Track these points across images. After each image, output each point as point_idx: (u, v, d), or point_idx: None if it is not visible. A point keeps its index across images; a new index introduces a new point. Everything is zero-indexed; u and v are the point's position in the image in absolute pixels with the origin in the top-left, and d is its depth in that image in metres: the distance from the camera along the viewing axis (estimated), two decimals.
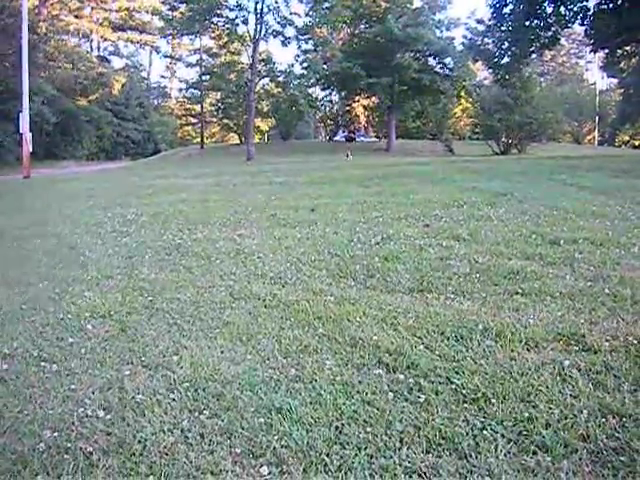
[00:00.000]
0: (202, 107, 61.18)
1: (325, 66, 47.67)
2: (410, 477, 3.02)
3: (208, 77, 53.40)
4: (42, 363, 4.76)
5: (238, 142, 60.53)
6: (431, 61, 46.53)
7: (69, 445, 3.48)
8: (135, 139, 69.45)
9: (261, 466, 3.16)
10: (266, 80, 47.52)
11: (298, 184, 18.03)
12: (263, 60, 44.71)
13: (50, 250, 9.42)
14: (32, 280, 7.42)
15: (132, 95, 69.86)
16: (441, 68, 46.16)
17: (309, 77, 45.71)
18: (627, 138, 63.23)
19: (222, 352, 4.78)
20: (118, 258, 8.58)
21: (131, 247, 9.39)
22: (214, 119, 66.23)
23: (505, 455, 3.19)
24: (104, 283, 7.14)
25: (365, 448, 3.30)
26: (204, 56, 57.64)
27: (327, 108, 59.53)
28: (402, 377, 4.16)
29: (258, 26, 38.86)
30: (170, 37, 60.01)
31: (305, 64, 45.89)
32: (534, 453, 3.21)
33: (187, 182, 21.37)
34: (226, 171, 25.84)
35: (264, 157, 37.20)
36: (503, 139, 40.80)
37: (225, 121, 61.29)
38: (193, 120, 72.49)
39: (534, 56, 35.96)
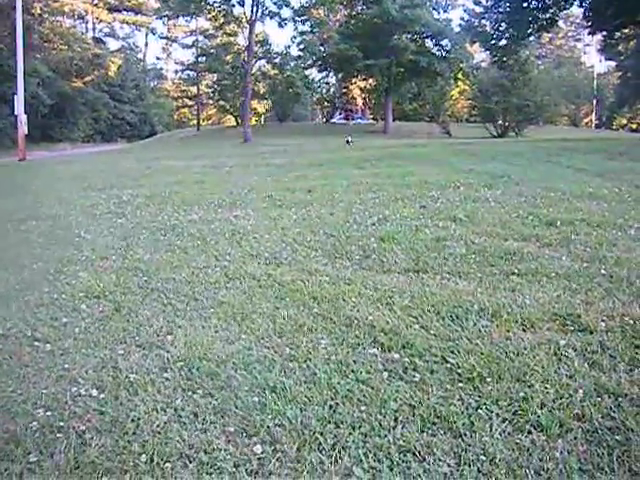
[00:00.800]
0: (198, 89, 60.88)
1: (322, 48, 47.38)
2: (404, 456, 3.00)
3: (204, 59, 53.15)
4: (36, 343, 4.73)
5: (234, 124, 60.24)
6: (428, 43, 46.29)
7: (62, 424, 3.46)
8: (131, 121, 69.17)
9: (255, 445, 3.14)
10: (262, 62, 47.37)
11: (295, 166, 17.99)
12: (259, 42, 44.50)
13: (45, 231, 9.38)
14: (26, 261, 7.38)
15: (128, 77, 69.51)
16: (438, 50, 45.91)
17: (306, 59, 45.59)
18: (624, 121, 63.15)
19: (216, 332, 4.76)
20: (113, 239, 8.54)
21: (126, 228, 9.36)
22: (210, 101, 65.94)
23: (500, 434, 3.17)
24: (99, 264, 7.11)
25: (359, 427, 3.28)
26: (200, 37, 57.22)
27: (324, 90, 59.23)
28: (397, 356, 4.14)
29: (254, 7, 38.59)
30: (166, 18, 59.58)
31: (302, 46, 45.67)
32: (529, 432, 3.19)
33: (183, 164, 21.31)
34: (222, 153, 25.77)
35: (260, 139, 37.07)
36: (500, 122, 40.67)
37: (221, 103, 61.00)
38: (189, 102, 72.03)
39: (532, 38, 35.84)
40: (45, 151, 41.74)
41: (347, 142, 17.84)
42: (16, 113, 30.57)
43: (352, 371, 3.95)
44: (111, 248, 7.91)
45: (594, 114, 64.20)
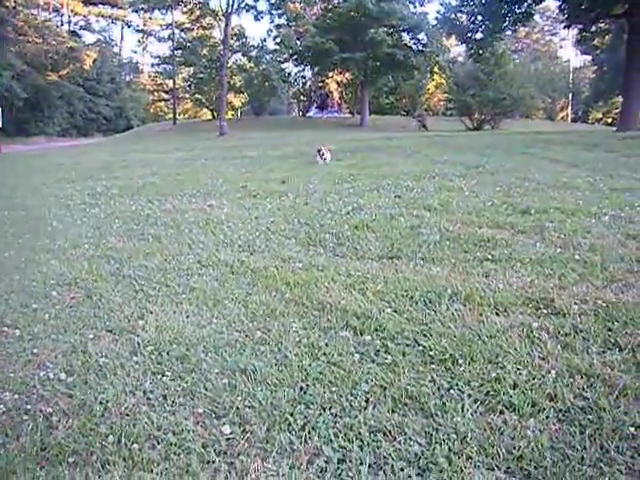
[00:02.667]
0: (174, 82, 60.47)
1: (298, 41, 47.25)
2: (375, 436, 2.98)
3: (180, 52, 52.83)
4: (5, 328, 4.68)
5: (211, 118, 59.98)
6: (405, 36, 46.26)
7: (29, 407, 3.41)
8: (107, 115, 68.65)
9: (223, 425, 3.10)
10: (239, 55, 47.17)
11: (270, 158, 17.94)
12: (235, 35, 44.32)
13: (17, 221, 9.28)
14: None
15: (104, 71, 68.90)
16: (415, 44, 45.91)
17: (282, 52, 45.45)
18: (600, 115, 63.61)
19: (187, 317, 4.71)
20: (86, 228, 8.46)
21: (99, 218, 9.28)
22: (186, 95, 65.59)
23: (472, 414, 3.16)
24: (71, 252, 7.04)
25: (330, 408, 3.25)
26: (176, 31, 56.80)
27: (300, 84, 59.14)
28: (369, 339, 4.12)
29: (230, 0, 38.41)
30: (142, 11, 59.09)
31: (278, 39, 45.54)
32: (501, 412, 3.18)
33: (158, 157, 21.19)
34: (198, 146, 25.66)
35: (236, 132, 36.95)
36: (476, 115, 40.83)
37: (197, 96, 60.66)
38: (165, 96, 71.68)
39: (508, 32, 35.95)
40: (20, 145, 41.29)
41: (321, 156, 13.98)
42: None
43: (324, 354, 3.92)
44: (84, 237, 7.83)
45: (570, 108, 64.63)
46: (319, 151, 15.78)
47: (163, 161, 18.85)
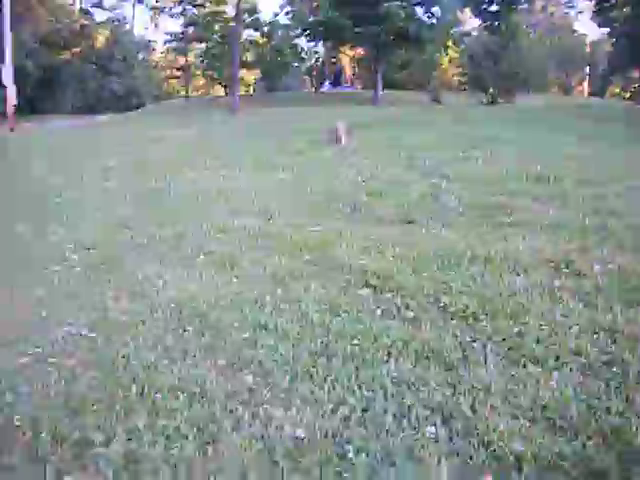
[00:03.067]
0: (187, 59, 60.23)
1: (310, 16, 46.79)
2: (398, 387, 2.97)
3: (192, 28, 52.49)
4: (26, 289, 4.69)
5: (223, 94, 59.71)
6: (418, 10, 45.72)
7: (52, 360, 3.41)
8: (119, 93, 68.28)
9: (246, 375, 3.10)
10: (251, 30, 46.84)
11: (283, 132, 17.84)
12: (248, 10, 43.97)
13: (31, 193, 9.27)
14: (18, 220, 7.30)
15: (116, 48, 68.49)
16: (428, 17, 45.37)
17: (294, 27, 45.07)
18: (617, 90, 62.76)
19: (205, 278, 4.71)
20: (101, 199, 8.46)
21: (113, 189, 9.27)
22: (199, 72, 65.27)
23: (494, 367, 3.14)
24: (88, 221, 7.04)
25: (352, 361, 3.24)
26: (188, 6, 56.42)
27: (313, 59, 58.67)
28: (389, 296, 4.11)
29: None
30: None
31: (290, 14, 45.16)
32: (524, 366, 3.16)
33: (171, 132, 21.07)
34: (211, 121, 25.51)
35: (249, 108, 36.72)
36: (490, 89, 40.36)
37: (210, 73, 60.33)
38: (177, 73, 71.30)
39: (524, 4, 35.46)
40: (33, 123, 41.26)
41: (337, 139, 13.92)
42: (4, 84, 30.04)
43: (344, 310, 3.91)
44: (99, 207, 7.83)
45: (586, 82, 63.76)
46: (334, 133, 13.43)
47: (175, 136, 18.77)
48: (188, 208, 7.41)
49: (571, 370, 3.11)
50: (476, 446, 2.49)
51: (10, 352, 3.56)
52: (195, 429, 2.66)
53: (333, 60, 58.24)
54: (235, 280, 4.59)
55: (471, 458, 2.42)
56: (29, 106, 48.59)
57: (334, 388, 2.97)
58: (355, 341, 3.46)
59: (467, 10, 41.09)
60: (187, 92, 60.78)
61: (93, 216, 7.24)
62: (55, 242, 6.03)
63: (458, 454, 2.45)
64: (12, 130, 28.28)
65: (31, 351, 3.52)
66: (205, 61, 56.84)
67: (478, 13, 35.30)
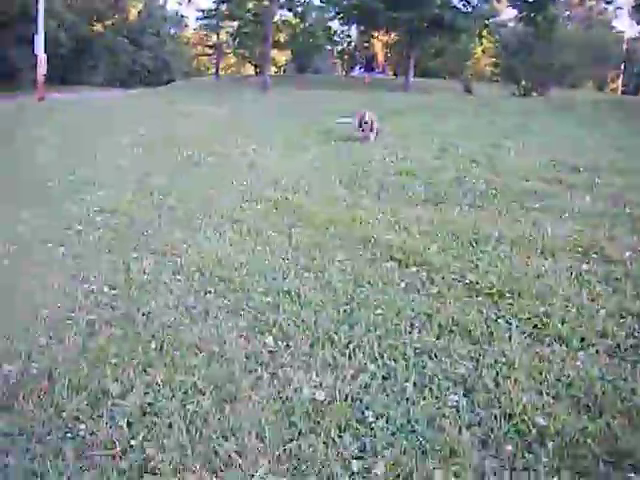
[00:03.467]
0: (218, 36, 60.06)
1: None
2: (420, 357, 2.93)
3: (225, 5, 52.31)
4: (49, 246, 4.69)
5: (254, 73, 59.57)
6: None
7: (72, 314, 3.41)
8: (150, 68, 68.45)
9: (266, 338, 3.07)
10: (284, 10, 46.61)
11: (314, 113, 17.75)
12: None
13: (60, 157, 9.29)
14: (45, 181, 7.32)
15: (148, 23, 68.60)
16: (464, 5, 44.84)
17: (328, 9, 44.80)
18: None
19: (231, 244, 4.69)
20: (130, 167, 8.44)
21: (143, 158, 9.25)
22: (230, 50, 65.12)
23: (519, 344, 3.08)
24: (115, 186, 7.04)
25: (375, 330, 3.20)
26: None
27: (345, 43, 58.28)
28: (414, 271, 4.06)
29: None
30: None
31: None
32: (549, 345, 3.10)
33: (200, 108, 21.08)
34: (241, 99, 25.46)
35: (279, 88, 36.63)
36: (523, 81, 39.89)
37: (241, 51, 60.16)
38: (209, 51, 71.14)
39: None
40: (63, 94, 41.47)
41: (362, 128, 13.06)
42: (36, 52, 30.11)
43: (368, 282, 3.87)
44: (128, 174, 7.82)
45: (621, 80, 62.75)
46: (362, 123, 10.49)
47: (205, 112, 18.75)
48: (218, 179, 7.37)
49: (597, 351, 3.05)
50: (498, 418, 2.44)
51: (29, 305, 3.56)
52: (213, 387, 2.64)
53: (365, 45, 57.77)
54: (260, 248, 4.56)
55: (492, 430, 2.37)
56: (60, 77, 48.80)
57: (355, 355, 2.93)
58: (378, 311, 3.42)
59: (504, 0, 40.50)
60: (217, 70, 60.57)
61: (122, 182, 7.23)
62: (82, 205, 6.02)
63: (480, 425, 2.41)
64: (42, 99, 28.37)
65: (51, 306, 3.52)
66: (237, 39, 56.62)
67: (515, 4, 34.81)
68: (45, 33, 30.33)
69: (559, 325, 3.29)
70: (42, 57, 29.77)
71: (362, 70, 56.22)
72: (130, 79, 65.52)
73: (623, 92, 57.98)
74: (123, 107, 22.19)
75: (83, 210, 5.81)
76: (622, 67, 59.76)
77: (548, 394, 2.62)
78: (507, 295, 3.66)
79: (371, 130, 10.44)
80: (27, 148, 10.25)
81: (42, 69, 29.50)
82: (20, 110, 19.94)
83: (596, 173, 7.64)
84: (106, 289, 3.78)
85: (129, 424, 2.41)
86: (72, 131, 12.94)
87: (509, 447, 2.26)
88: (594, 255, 4.48)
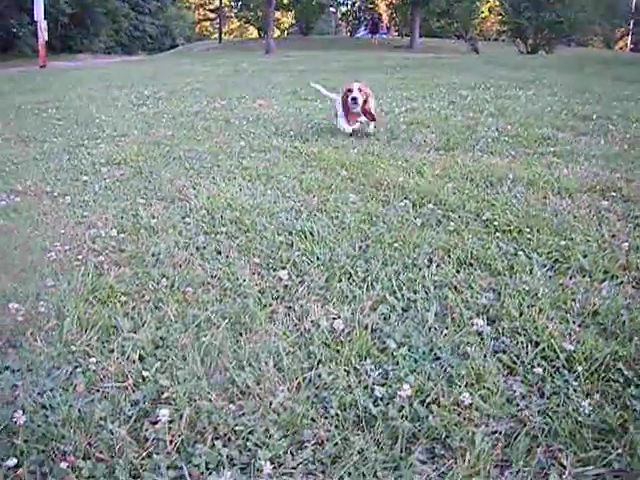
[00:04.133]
0: (221, 0, 59.43)
1: None
2: (440, 289, 2.83)
3: None
4: (55, 196, 4.63)
5: (257, 37, 58.99)
6: None
7: (80, 257, 3.33)
8: (152, 33, 67.88)
9: (280, 274, 2.97)
10: None
11: (318, 71, 17.57)
12: None
13: (66, 117, 9.20)
14: (47, 137, 7.26)
15: None
16: None
17: None
18: None
19: (240, 189, 4.59)
20: (134, 122, 8.37)
21: (147, 115, 9.16)
22: (232, 14, 64.42)
23: (542, 276, 2.98)
24: (120, 139, 6.96)
25: (391, 264, 3.10)
26: None
27: (349, 4, 57.65)
28: (429, 209, 3.96)
29: None
30: None
31: None
32: (572, 276, 3.00)
33: (205, 69, 20.93)
34: (245, 61, 25.23)
35: (284, 51, 36.34)
36: (530, 40, 39.41)
37: (244, 14, 59.51)
38: (211, 15, 70.64)
39: None
40: (65, 61, 41.20)
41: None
42: (36, 19, 29.72)
43: (382, 221, 3.77)
44: (133, 128, 7.75)
45: (630, 37, 61.75)
46: (349, 103, 6.57)
47: (210, 72, 18.61)
48: (224, 129, 7.29)
49: (621, 283, 2.95)
50: (524, 345, 2.35)
51: (38, 249, 3.49)
52: (227, 320, 2.55)
53: (370, 5, 57.05)
54: (270, 192, 4.46)
55: (518, 357, 2.28)
56: (61, 44, 48.46)
57: (373, 287, 2.84)
58: (395, 245, 3.32)
59: None
60: (220, 34, 60.10)
61: (127, 135, 7.16)
62: (87, 158, 5.95)
63: (505, 352, 2.32)
64: (43, 66, 28.18)
65: (57, 250, 3.44)
66: (239, 2, 55.99)
67: None
68: None
69: (581, 258, 3.18)
70: (42, 24, 29.47)
71: (367, 32, 55.56)
72: (132, 45, 65.02)
73: (632, 50, 57.13)
74: (126, 71, 22.09)
75: (88, 163, 5.74)
76: (631, 24, 58.74)
77: (574, 322, 2.53)
78: (526, 231, 3.56)
79: (365, 113, 6.53)
80: (31, 109, 10.17)
81: (42, 36, 29.24)
82: (22, 77, 19.83)
83: (609, 121, 7.49)
84: (114, 233, 3.69)
85: (141, 358, 2.33)
86: (75, 93, 12.81)
87: (539, 370, 2.17)
88: (612, 194, 4.37)
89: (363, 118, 6.61)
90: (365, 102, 6.46)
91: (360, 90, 6.43)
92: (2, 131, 7.86)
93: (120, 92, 12.98)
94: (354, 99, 6.36)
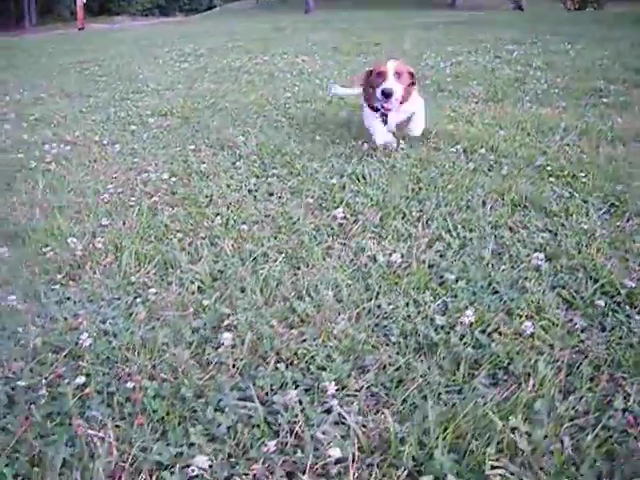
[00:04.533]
0: None
1: None
2: (496, 229, 2.80)
3: None
4: (104, 144, 4.67)
5: None
6: None
7: (133, 199, 3.37)
8: None
9: (335, 213, 2.97)
10: None
11: (360, 29, 17.36)
12: None
13: (108, 74, 9.26)
14: (91, 92, 7.32)
15: None
16: None
17: None
18: None
19: (289, 137, 4.57)
20: (178, 77, 8.40)
21: (190, 70, 9.17)
22: None
23: (598, 218, 2.93)
24: (164, 93, 6.98)
25: (445, 206, 3.08)
26: None
27: None
28: (481, 155, 3.91)
29: None
30: None
31: None
32: (629, 219, 2.94)
33: (244, 27, 20.82)
34: (284, 19, 25.00)
35: (323, 10, 35.97)
36: None
37: None
38: None
39: None
40: (103, 24, 41.33)
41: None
42: None
43: (434, 165, 3.73)
44: (176, 83, 7.76)
45: None
46: (377, 81, 4.03)
47: (249, 31, 18.51)
48: (268, 82, 7.27)
49: None
50: (583, 281, 2.32)
51: (91, 192, 3.53)
52: (283, 255, 2.57)
53: None
54: (319, 138, 4.44)
55: (578, 292, 2.26)
56: (99, 6, 48.57)
57: (428, 226, 2.83)
58: (449, 188, 3.30)
59: None
60: None
61: (172, 89, 7.18)
62: (133, 109, 6.00)
63: (564, 287, 2.29)
64: (81, 29, 28.28)
65: (110, 193, 3.48)
66: None
67: None
68: None
69: (638, 202, 3.12)
70: None
71: None
72: (169, 7, 64.88)
73: None
74: (165, 31, 22.11)
75: (135, 114, 5.79)
76: None
77: (634, 262, 2.49)
78: (580, 176, 3.49)
79: (402, 102, 4.08)
80: (73, 68, 10.25)
81: None
82: (62, 39, 19.94)
83: None
84: (165, 176, 3.72)
85: (200, 289, 2.36)
86: (115, 52, 12.87)
87: (600, 303, 2.15)
88: None
89: (404, 114, 4.27)
90: (408, 89, 4.10)
91: (399, 75, 3.96)
92: (47, 88, 7.93)
93: (160, 50, 13.00)
94: (387, 93, 3.86)
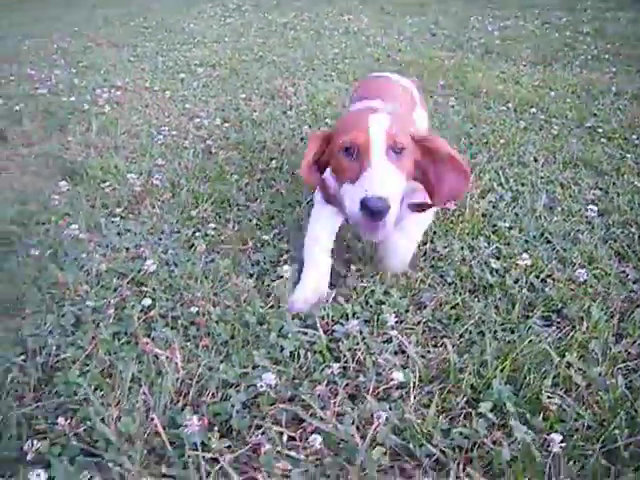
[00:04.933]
0: None
1: None
2: (547, 185, 2.82)
3: None
4: (155, 90, 4.73)
5: None
6: None
7: (187, 142, 3.42)
8: None
9: None
10: None
11: None
12: None
13: (153, 26, 9.26)
14: (138, 43, 7.34)
15: None
16: None
17: None
18: None
19: (339, 90, 4.59)
20: (223, 31, 8.37)
21: (235, 25, 9.12)
22: None
23: None
24: (211, 45, 6.99)
25: (497, 160, 3.10)
26: None
27: None
28: (531, 114, 3.91)
29: None
30: None
31: None
32: None
33: None
34: None
35: None
36: None
37: None
38: None
39: None
40: None
41: None
42: None
43: (485, 123, 3.74)
44: (223, 36, 7.75)
45: None
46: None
47: None
48: (315, 41, 7.23)
49: None
50: (636, 236, 2.34)
51: (145, 134, 3.59)
52: None
53: None
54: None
55: (630, 246, 2.28)
56: None
57: (480, 178, 2.85)
58: (500, 143, 3.31)
59: None
60: None
61: (218, 42, 7.18)
62: (181, 59, 6.02)
63: (616, 240, 2.32)
64: None
65: (163, 136, 3.53)
66: None
67: None
68: None
69: None
70: None
71: None
72: None
73: None
74: None
75: (183, 63, 5.82)
76: None
77: None
78: (632, 139, 3.48)
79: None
80: (118, 19, 10.27)
81: None
82: None
83: None
84: (218, 122, 3.77)
85: (257, 226, 2.41)
86: (158, 5, 12.88)
87: None
88: None
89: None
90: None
91: (397, 152, 1.84)
92: (94, 38, 7.97)
93: (205, 5, 12.92)
94: (374, 210, 1.70)
